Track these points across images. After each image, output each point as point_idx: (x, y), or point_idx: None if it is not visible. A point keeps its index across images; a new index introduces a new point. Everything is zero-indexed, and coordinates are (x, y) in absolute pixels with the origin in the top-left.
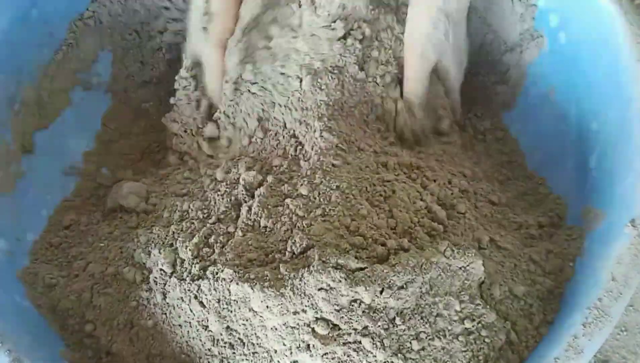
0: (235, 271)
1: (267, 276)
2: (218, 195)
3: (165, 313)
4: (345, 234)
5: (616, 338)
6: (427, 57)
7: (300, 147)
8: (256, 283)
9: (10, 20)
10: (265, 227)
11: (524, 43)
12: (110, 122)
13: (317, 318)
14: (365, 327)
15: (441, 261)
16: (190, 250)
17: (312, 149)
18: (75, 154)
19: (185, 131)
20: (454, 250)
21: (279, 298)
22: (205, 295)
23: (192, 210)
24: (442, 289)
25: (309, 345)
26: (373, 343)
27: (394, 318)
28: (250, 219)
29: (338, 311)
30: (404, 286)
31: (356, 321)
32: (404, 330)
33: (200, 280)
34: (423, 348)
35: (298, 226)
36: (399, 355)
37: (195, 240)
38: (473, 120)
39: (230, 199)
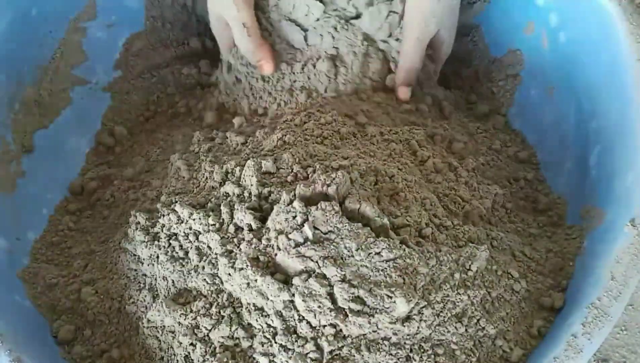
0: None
1: None
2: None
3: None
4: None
5: (616, 337)
6: (429, 30)
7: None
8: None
9: (10, 20)
10: None
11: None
12: (110, 122)
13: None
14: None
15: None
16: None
17: None
18: (75, 153)
19: None
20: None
21: None
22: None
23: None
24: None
25: None
26: None
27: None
28: None
29: None
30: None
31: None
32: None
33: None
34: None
35: None
36: None
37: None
38: (473, 120)
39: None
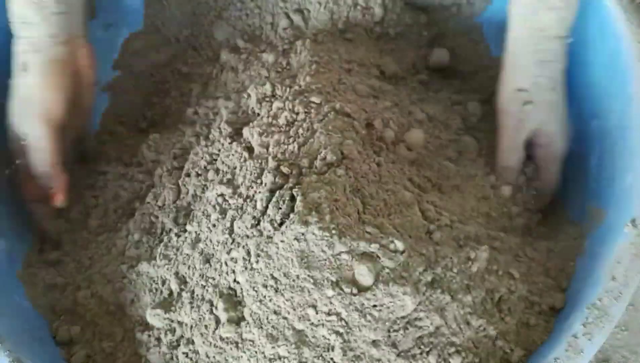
0: None
1: None
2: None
3: None
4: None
5: (616, 337)
6: (523, 125)
7: None
8: None
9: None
10: None
11: None
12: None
13: None
14: None
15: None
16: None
17: None
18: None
19: None
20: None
21: None
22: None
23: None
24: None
25: None
26: None
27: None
28: None
29: None
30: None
31: None
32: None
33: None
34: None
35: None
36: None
37: None
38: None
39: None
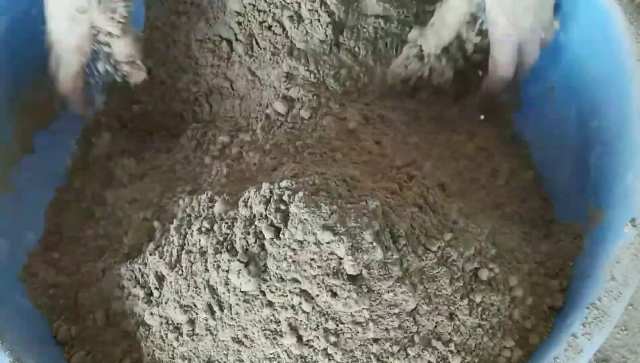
0: None
1: None
2: None
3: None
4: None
5: (616, 337)
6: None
7: None
8: None
9: (10, 20)
10: None
11: None
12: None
13: None
14: None
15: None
16: None
17: None
18: (75, 154)
19: None
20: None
21: None
22: None
23: None
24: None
25: None
26: None
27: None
28: None
29: None
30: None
31: None
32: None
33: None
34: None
35: None
36: None
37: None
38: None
39: None
